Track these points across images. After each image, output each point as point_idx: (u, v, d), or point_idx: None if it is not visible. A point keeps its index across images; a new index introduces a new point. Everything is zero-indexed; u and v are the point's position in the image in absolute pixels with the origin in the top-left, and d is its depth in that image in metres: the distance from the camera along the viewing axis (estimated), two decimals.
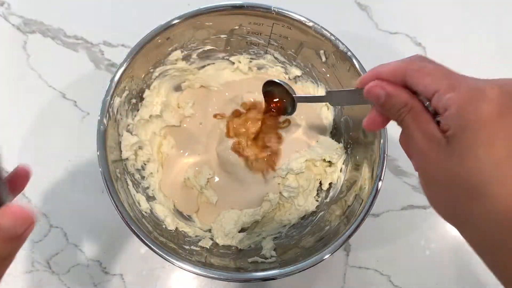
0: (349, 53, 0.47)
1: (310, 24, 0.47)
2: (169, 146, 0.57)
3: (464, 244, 0.58)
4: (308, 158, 0.55)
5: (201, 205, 0.56)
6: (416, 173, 0.64)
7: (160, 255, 0.42)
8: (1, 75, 0.61)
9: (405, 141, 0.33)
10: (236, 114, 0.57)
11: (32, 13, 0.63)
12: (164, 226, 0.50)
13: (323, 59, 0.51)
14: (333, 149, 0.55)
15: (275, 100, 0.53)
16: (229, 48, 0.55)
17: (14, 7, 0.63)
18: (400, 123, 0.32)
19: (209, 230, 0.54)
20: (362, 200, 0.45)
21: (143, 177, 0.53)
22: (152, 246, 0.42)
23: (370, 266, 0.57)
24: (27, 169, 0.32)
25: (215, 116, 0.58)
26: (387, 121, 0.34)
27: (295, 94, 0.49)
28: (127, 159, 0.50)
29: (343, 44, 0.47)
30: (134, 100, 0.52)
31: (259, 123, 0.57)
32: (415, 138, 0.30)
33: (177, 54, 0.52)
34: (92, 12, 0.64)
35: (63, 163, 0.58)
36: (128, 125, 0.51)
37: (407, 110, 0.31)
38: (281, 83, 0.49)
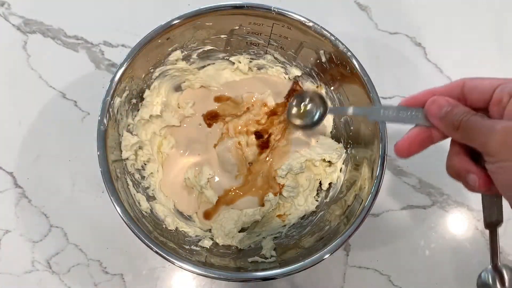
0: (349, 53, 0.47)
1: (310, 24, 0.47)
2: (169, 146, 0.57)
3: (464, 244, 0.59)
4: (308, 158, 0.55)
5: (201, 205, 0.56)
6: (416, 173, 0.64)
7: (160, 255, 0.42)
8: (1, 75, 0.61)
9: (459, 155, 0.34)
10: (217, 100, 0.58)
11: (32, 13, 0.63)
12: (164, 226, 0.50)
13: (323, 59, 0.51)
14: (333, 149, 0.55)
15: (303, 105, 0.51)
16: (229, 48, 0.55)
17: (14, 7, 0.63)
18: (463, 128, 0.32)
19: (209, 230, 0.54)
20: (362, 200, 0.45)
21: (143, 177, 0.53)
22: (152, 246, 0.42)
23: (370, 266, 0.57)
24: None
25: (207, 117, 0.58)
26: (427, 142, 0.36)
27: (329, 106, 0.48)
28: (127, 159, 0.51)
29: (343, 44, 0.47)
30: (134, 100, 0.52)
31: (259, 123, 0.58)
32: (491, 127, 0.30)
33: (177, 54, 0.52)
34: (92, 12, 0.64)
35: (63, 163, 0.58)
36: (128, 125, 0.51)
37: (472, 112, 0.32)
38: (320, 94, 0.50)
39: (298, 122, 0.51)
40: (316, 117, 0.49)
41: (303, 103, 0.50)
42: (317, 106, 0.49)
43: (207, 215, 0.55)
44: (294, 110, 0.51)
